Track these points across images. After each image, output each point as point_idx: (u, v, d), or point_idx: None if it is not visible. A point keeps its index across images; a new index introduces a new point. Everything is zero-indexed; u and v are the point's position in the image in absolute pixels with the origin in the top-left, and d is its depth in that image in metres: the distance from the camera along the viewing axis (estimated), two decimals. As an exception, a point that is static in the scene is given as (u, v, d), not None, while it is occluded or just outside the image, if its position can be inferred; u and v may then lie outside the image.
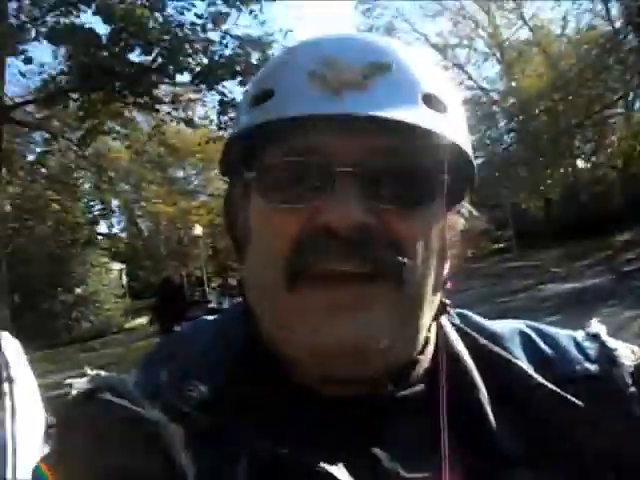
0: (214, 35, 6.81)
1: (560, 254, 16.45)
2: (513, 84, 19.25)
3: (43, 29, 6.48)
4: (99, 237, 11.37)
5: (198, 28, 6.54)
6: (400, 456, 0.44)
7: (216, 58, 6.60)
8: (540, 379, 0.47)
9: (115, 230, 18.48)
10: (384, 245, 0.42)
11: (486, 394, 0.47)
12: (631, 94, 17.34)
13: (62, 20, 6.62)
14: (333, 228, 0.40)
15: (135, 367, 0.49)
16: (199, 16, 6.69)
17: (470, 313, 0.56)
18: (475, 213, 0.52)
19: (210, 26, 6.60)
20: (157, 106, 7.37)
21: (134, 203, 26.80)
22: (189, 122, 7.94)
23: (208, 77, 6.65)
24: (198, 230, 22.14)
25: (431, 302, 0.46)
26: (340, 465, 0.41)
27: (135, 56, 6.54)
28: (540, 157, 16.42)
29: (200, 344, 0.49)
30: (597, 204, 18.65)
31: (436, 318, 0.49)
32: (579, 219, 17.98)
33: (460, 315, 0.55)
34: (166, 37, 6.19)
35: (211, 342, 0.49)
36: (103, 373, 0.48)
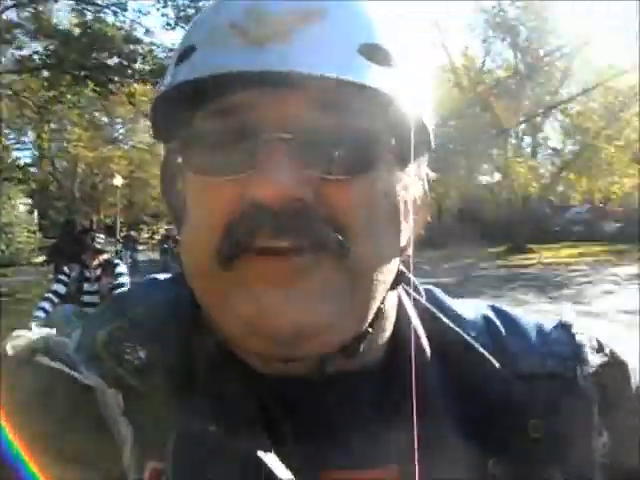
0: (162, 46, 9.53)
1: (440, 255, 20.27)
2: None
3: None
4: (20, 172, 13.39)
5: (149, 43, 9.33)
6: (343, 441, 0.43)
7: (162, 64, 9.23)
8: (498, 368, 0.47)
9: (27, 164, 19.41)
10: (322, 219, 0.39)
11: (437, 376, 0.47)
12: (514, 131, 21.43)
13: (40, 8, 8.94)
14: (262, 203, 0.38)
15: (81, 325, 0.49)
16: (147, 29, 9.51)
17: (437, 290, 0.55)
18: (432, 175, 0.49)
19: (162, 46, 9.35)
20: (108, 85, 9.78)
21: (53, 142, 27.63)
22: (131, 97, 10.39)
23: (152, 77, 9.26)
24: (118, 180, 23.75)
25: (382, 273, 0.43)
26: (271, 452, 0.40)
27: (98, 55, 9.03)
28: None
29: (146, 305, 0.48)
30: (486, 219, 22.79)
31: (392, 288, 0.46)
32: (469, 228, 21.93)
33: (427, 291, 0.54)
34: (126, 49, 8.77)
35: (157, 304, 0.49)
36: (45, 331, 0.47)
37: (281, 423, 0.43)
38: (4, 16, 8.57)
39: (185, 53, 0.42)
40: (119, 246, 17.43)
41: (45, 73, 9.07)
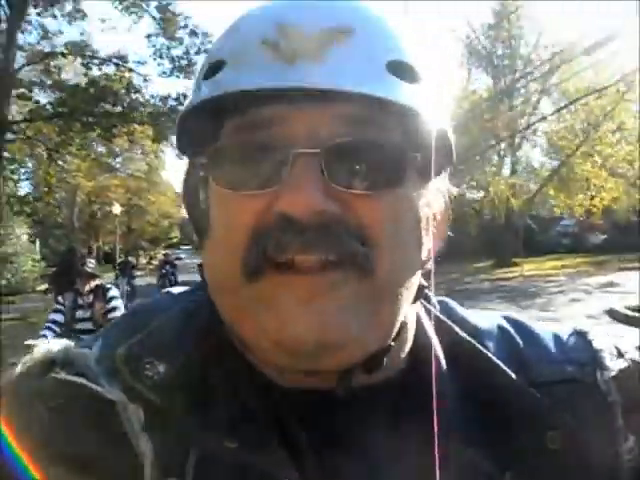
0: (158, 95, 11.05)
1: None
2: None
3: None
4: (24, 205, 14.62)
5: (147, 93, 10.86)
6: (363, 457, 0.44)
7: (159, 110, 10.65)
8: (514, 379, 0.48)
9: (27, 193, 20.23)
10: (349, 233, 0.41)
11: (455, 389, 0.48)
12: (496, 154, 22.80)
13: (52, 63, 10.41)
14: (291, 216, 0.40)
15: (98, 337, 0.50)
16: (145, 78, 11.00)
17: (452, 302, 0.56)
18: (453, 190, 0.51)
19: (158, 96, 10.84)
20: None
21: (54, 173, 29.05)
22: (131, 135, 11.74)
23: (150, 120, 10.66)
24: (117, 209, 24.98)
25: (406, 287, 0.45)
26: (292, 469, 0.42)
27: (104, 105, 10.46)
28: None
29: (163, 319, 0.50)
30: (472, 235, 24.01)
31: (414, 302, 0.48)
32: (455, 245, 23.09)
33: (441, 303, 0.55)
34: (127, 99, 10.20)
35: (174, 318, 0.50)
36: (64, 342, 0.48)
37: (301, 439, 0.45)
38: (19, 75, 10.04)
39: (214, 67, 0.44)
40: (117, 272, 17.54)
41: (55, 121, 10.47)
